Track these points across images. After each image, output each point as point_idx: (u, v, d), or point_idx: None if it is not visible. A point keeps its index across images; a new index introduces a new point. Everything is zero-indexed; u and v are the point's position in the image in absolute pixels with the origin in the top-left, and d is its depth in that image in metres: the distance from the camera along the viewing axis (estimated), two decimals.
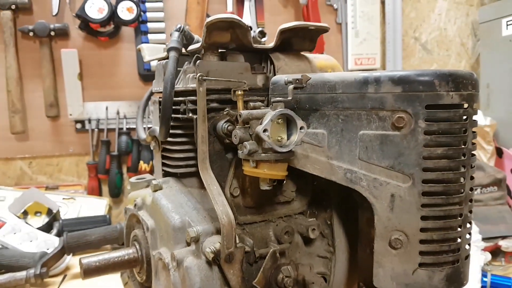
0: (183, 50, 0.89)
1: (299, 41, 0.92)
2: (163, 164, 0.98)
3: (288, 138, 0.74)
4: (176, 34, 0.88)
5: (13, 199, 1.94)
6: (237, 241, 0.75)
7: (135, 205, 0.99)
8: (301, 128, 0.73)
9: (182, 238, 0.81)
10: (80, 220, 1.90)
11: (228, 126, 0.79)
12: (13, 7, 2.08)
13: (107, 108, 2.20)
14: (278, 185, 0.88)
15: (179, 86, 0.88)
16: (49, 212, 1.91)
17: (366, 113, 0.73)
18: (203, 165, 0.77)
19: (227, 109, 0.78)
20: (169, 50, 0.85)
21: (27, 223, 1.81)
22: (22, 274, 1.42)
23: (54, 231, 1.83)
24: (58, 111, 2.18)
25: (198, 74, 0.74)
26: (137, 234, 0.98)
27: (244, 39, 0.85)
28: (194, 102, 0.83)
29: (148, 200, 0.94)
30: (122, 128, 2.21)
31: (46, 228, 1.83)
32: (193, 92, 0.82)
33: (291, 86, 0.73)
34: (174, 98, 0.88)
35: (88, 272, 0.91)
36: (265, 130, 0.69)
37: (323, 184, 0.92)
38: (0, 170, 2.17)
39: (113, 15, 2.08)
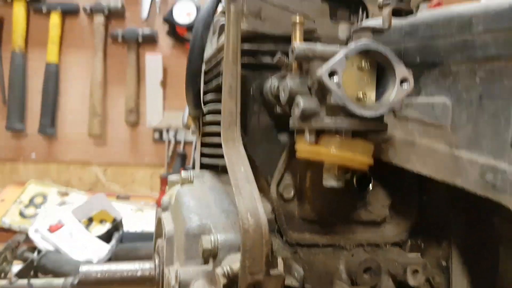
0: None
1: None
2: (202, 154, 0.72)
3: (378, 98, 0.43)
4: None
5: None
6: (275, 264, 0.44)
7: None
8: (402, 80, 0.42)
9: (197, 250, 0.53)
10: (141, 234, 1.73)
11: (279, 83, 0.50)
12: (106, 12, 2.05)
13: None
14: (359, 190, 0.56)
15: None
16: (114, 221, 1.78)
17: None
18: (228, 133, 0.49)
19: (278, 53, 0.49)
20: None
21: (87, 229, 1.68)
22: (59, 281, 1.26)
23: (113, 241, 1.67)
24: (138, 118, 2.08)
25: None
26: (159, 244, 0.72)
27: None
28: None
29: (174, 198, 0.68)
30: None
31: (106, 237, 1.67)
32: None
33: (387, 9, 0.42)
34: (218, 58, 0.62)
35: (85, 283, 0.67)
36: (332, 73, 0.39)
37: (439, 200, 0.59)
38: (76, 174, 2.10)
39: None
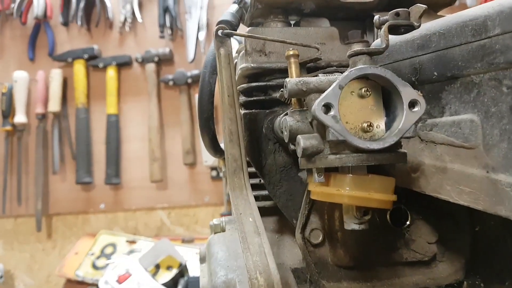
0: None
1: None
2: None
3: (388, 127, 0.38)
4: (234, 7, 0.61)
5: None
6: None
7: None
8: (411, 103, 0.36)
9: None
10: None
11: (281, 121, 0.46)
12: (156, 59, 2.14)
13: None
14: (395, 227, 0.49)
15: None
16: (180, 266, 1.78)
17: None
18: (235, 180, 0.46)
19: (282, 89, 0.45)
20: (218, 24, 0.59)
21: (153, 278, 1.70)
22: None
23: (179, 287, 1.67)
24: (194, 158, 2.11)
25: (217, 27, 0.45)
26: None
27: None
28: (245, 93, 0.53)
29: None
30: None
31: (171, 285, 1.68)
32: (241, 79, 0.53)
33: (385, 26, 0.38)
34: None
35: None
36: (327, 106, 0.35)
37: (494, 228, 0.51)
38: (143, 220, 2.16)
39: None
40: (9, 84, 2.17)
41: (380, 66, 0.49)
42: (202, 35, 2.11)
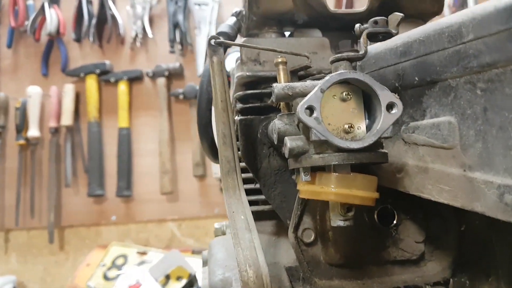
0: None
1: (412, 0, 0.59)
2: None
3: (369, 128, 0.40)
4: (232, 19, 0.64)
5: None
6: None
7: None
8: (389, 106, 0.39)
9: None
10: None
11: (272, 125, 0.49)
12: (166, 73, 2.19)
13: None
14: (383, 226, 0.51)
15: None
16: (190, 277, 1.80)
17: None
18: (228, 181, 0.48)
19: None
20: (215, 35, 0.62)
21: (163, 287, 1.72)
22: None
23: None
24: (204, 171, 2.14)
25: (210, 37, 0.48)
26: None
27: (313, 1, 0.56)
28: (242, 100, 0.56)
29: None
30: None
31: None
32: (238, 87, 0.56)
33: (364, 34, 0.40)
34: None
35: None
36: (310, 109, 0.38)
37: (479, 228, 0.52)
38: (153, 232, 2.19)
39: None
40: (23, 99, 2.23)
41: (367, 73, 0.52)
42: None
